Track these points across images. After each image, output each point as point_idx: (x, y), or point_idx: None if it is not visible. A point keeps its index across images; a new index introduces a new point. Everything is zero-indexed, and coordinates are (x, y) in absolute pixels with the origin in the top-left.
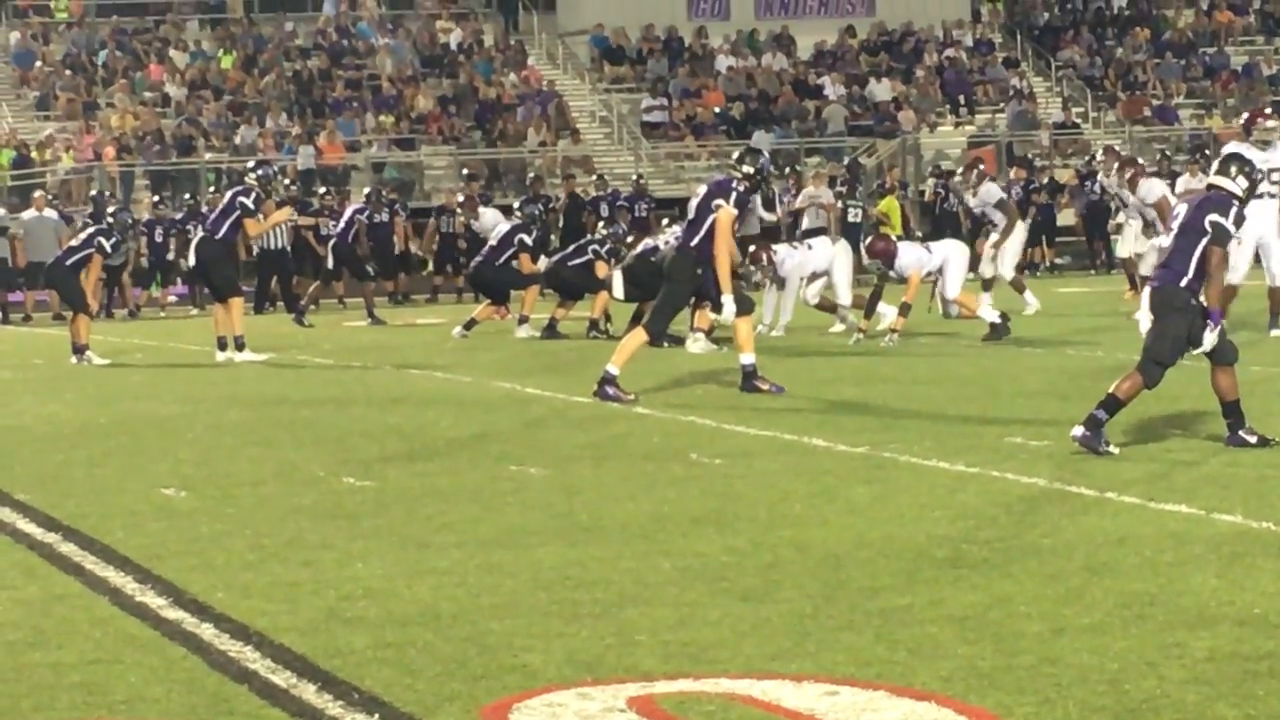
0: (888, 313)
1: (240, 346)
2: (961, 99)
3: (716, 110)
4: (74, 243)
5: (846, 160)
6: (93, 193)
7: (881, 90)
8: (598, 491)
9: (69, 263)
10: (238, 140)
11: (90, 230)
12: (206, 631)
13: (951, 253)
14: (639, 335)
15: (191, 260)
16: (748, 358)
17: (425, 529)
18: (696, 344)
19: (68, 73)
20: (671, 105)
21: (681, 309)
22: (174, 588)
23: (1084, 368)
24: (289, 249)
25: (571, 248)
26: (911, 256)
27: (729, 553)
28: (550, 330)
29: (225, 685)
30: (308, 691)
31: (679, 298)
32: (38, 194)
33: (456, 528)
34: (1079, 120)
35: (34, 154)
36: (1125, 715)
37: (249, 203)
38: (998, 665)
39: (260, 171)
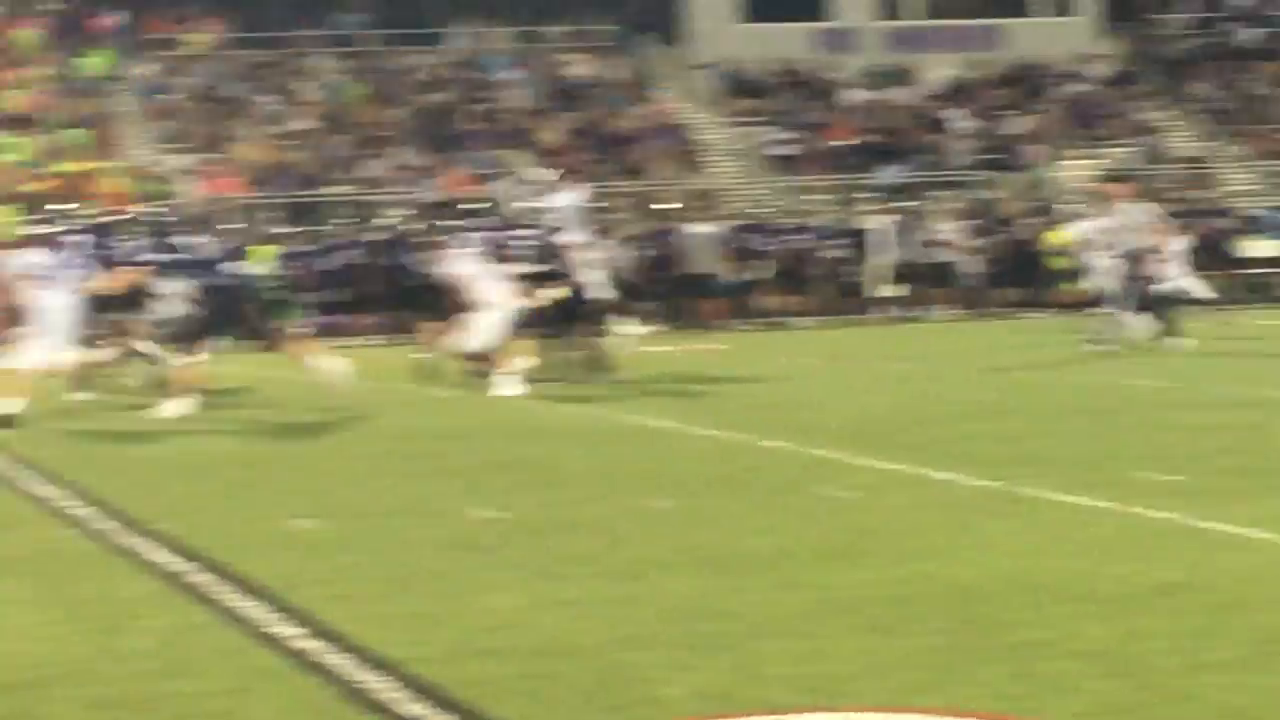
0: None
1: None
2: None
3: (843, 143)
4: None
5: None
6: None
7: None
8: (727, 524)
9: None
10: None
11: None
12: (341, 661)
13: None
14: None
15: None
16: None
17: (556, 560)
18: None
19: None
20: (798, 138)
21: None
22: (310, 617)
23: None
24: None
25: None
26: None
27: (860, 586)
28: None
29: (361, 717)
30: None
31: None
32: None
33: (587, 559)
34: (1204, 155)
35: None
36: None
37: None
38: (1133, 701)
39: None
